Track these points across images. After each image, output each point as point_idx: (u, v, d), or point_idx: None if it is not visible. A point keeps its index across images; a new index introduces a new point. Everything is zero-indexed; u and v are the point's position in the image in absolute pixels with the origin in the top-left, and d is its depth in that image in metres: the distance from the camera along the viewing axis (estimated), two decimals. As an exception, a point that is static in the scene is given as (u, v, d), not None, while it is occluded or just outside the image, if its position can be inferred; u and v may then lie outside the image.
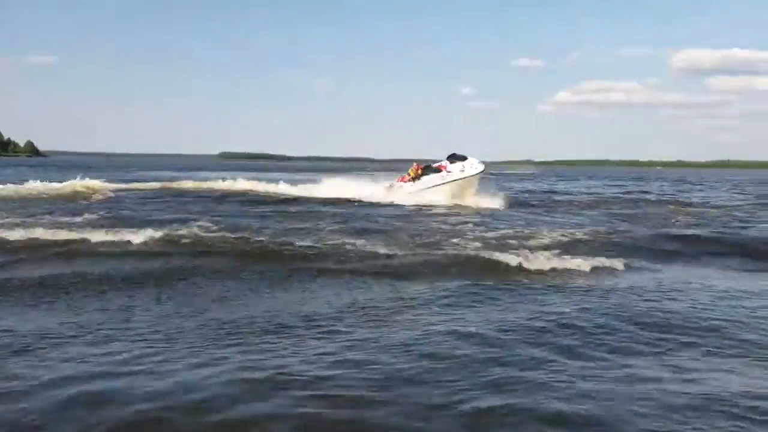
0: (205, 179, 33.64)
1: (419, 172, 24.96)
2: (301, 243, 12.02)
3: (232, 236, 12.61)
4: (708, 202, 30.23)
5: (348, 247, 11.83)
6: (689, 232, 15.74)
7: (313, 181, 30.51)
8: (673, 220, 19.29)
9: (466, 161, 23.98)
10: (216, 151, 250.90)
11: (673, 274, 10.70)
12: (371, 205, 22.76)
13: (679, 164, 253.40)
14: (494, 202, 23.54)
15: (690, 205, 28.24)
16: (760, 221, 20.08)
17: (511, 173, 78.96)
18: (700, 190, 43.66)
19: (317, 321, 7.10)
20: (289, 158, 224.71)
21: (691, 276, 10.54)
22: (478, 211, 20.80)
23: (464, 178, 23.85)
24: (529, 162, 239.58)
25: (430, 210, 21.11)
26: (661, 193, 38.52)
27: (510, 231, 14.95)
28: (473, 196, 23.84)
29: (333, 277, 9.51)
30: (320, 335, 6.54)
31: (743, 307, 8.22)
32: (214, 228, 13.75)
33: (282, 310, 7.60)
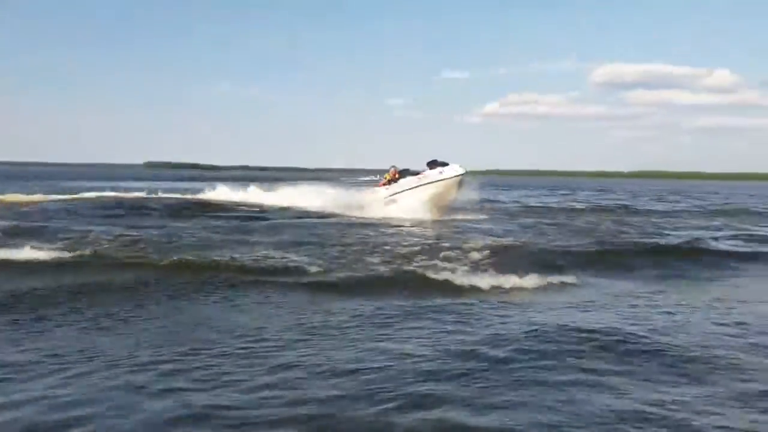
0: (130, 188, 32.56)
1: (396, 175, 23.74)
2: (228, 256, 11.67)
3: (151, 248, 12.16)
4: (630, 210, 31.36)
5: (276, 260, 11.55)
6: (614, 239, 16.14)
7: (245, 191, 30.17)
8: (597, 231, 19.51)
9: (446, 166, 22.22)
10: (141, 161, 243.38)
11: (601, 284, 10.86)
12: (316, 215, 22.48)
13: (602, 174, 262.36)
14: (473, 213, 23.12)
15: (613, 212, 29.23)
16: (675, 228, 20.94)
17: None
18: (624, 199, 45.21)
19: (244, 338, 6.84)
20: (218, 167, 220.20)
21: (615, 286, 10.74)
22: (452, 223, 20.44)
23: (442, 180, 22.04)
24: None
25: (371, 219, 20.74)
26: (587, 202, 39.67)
27: (444, 240, 14.98)
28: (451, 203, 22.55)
29: (260, 293, 9.16)
30: (247, 354, 6.29)
31: (659, 316, 8.40)
32: (133, 238, 13.23)
33: (204, 330, 7.26)
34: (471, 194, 23.92)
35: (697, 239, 16.36)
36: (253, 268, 10.74)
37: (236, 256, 11.70)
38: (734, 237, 18.20)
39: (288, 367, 5.87)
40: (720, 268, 13.10)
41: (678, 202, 42.99)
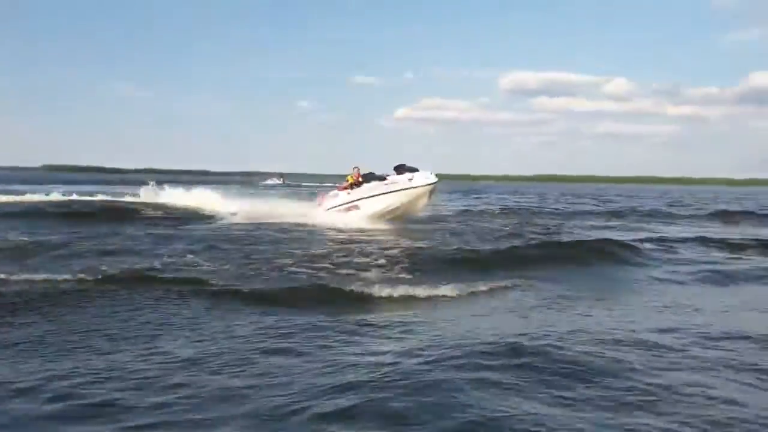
0: (26, 192, 30.64)
1: (359, 179, 21.23)
2: (128, 262, 11.03)
3: (43, 254, 11.37)
4: (540, 212, 32.28)
5: (180, 267, 10.97)
6: (524, 240, 16.28)
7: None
8: (510, 232, 19.44)
9: (416, 173, 20.12)
10: (39, 164, 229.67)
11: (514, 287, 10.70)
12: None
13: (507, 178, 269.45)
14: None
15: (523, 214, 29.93)
16: (582, 228, 21.64)
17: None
18: (533, 202, 46.55)
19: (135, 352, 6.31)
20: (123, 171, 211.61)
21: (529, 288, 10.61)
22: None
23: (413, 188, 19.87)
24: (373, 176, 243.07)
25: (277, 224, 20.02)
26: (499, 204, 40.56)
27: (358, 245, 14.74)
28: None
29: (157, 300, 8.48)
30: (140, 370, 5.78)
31: (569, 318, 8.41)
32: (23, 244, 12.38)
33: (95, 340, 6.69)
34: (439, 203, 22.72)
35: (606, 239, 16.74)
36: (151, 275, 10.04)
37: (136, 261, 11.08)
38: (647, 240, 18.48)
39: (187, 384, 5.40)
40: (626, 266, 13.48)
41: (584, 203, 44.68)
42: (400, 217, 20.45)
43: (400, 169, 20.39)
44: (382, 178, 20.72)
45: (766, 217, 32.26)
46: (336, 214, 20.99)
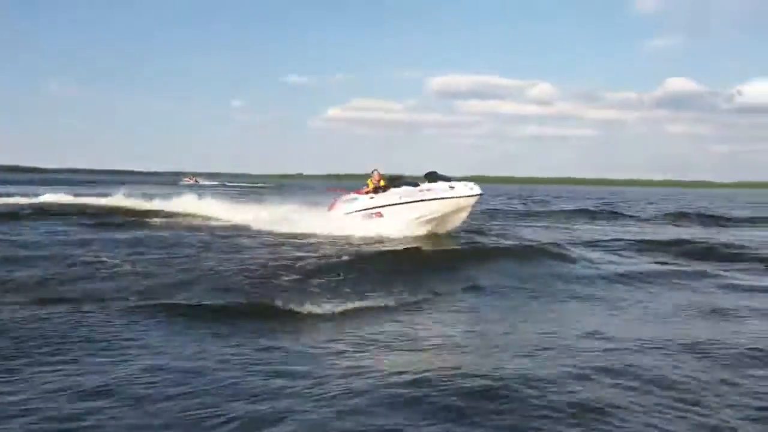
0: None
1: (381, 183, 18.68)
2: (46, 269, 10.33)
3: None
4: (476, 213, 32.42)
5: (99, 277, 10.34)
6: (462, 244, 16.19)
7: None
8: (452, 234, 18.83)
9: (452, 182, 17.47)
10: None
11: (450, 297, 10.35)
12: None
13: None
14: None
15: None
16: (501, 229, 21.73)
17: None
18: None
19: (23, 369, 5.73)
20: (42, 170, 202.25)
21: (463, 300, 10.22)
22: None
23: (456, 197, 17.12)
24: (301, 176, 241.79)
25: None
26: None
27: (295, 250, 14.26)
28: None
29: (56, 318, 7.63)
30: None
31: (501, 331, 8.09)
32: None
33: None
34: None
35: (535, 240, 16.72)
36: (55, 287, 9.31)
37: (45, 268, 10.46)
38: (573, 242, 18.07)
39: (88, 415, 4.85)
40: (553, 268, 12.95)
41: (513, 204, 45.48)
42: (432, 230, 17.92)
43: (432, 177, 17.82)
44: (414, 185, 18.01)
45: (686, 216, 33.35)
46: (354, 220, 18.49)
